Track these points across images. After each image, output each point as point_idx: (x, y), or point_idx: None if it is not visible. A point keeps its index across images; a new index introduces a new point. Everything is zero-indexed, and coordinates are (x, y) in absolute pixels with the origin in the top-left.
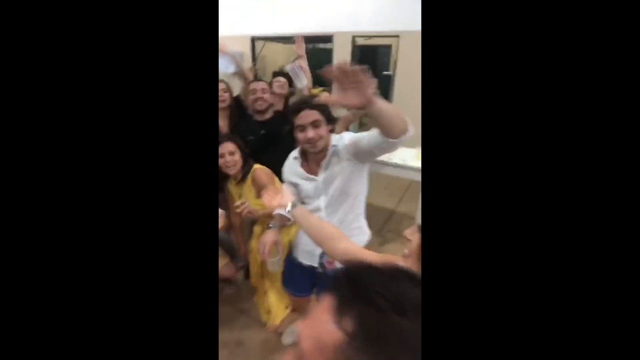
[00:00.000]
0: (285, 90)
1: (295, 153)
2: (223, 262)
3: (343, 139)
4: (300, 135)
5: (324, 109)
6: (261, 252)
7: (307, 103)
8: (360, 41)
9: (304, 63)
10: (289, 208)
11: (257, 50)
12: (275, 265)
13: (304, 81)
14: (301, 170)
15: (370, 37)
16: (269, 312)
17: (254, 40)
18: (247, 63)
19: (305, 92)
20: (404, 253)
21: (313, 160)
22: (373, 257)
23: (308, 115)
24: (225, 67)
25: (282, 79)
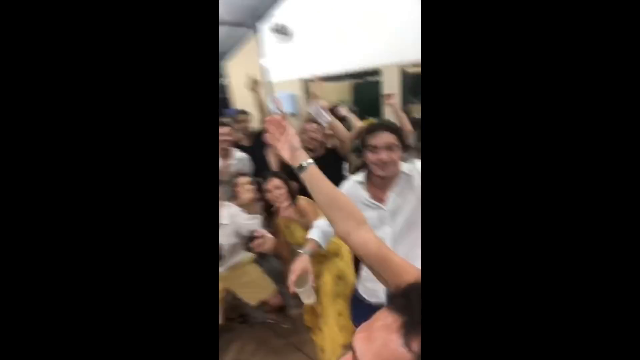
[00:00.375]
0: (320, 134)
1: (358, 177)
2: (272, 290)
3: (415, 165)
4: (371, 157)
5: (400, 134)
6: (289, 281)
7: (385, 125)
8: (410, 70)
9: (323, 102)
10: (303, 163)
11: (310, 90)
12: (308, 295)
13: (327, 119)
14: (365, 195)
15: (418, 65)
16: (323, 350)
17: (306, 82)
18: (302, 105)
19: (328, 128)
20: None
21: (379, 185)
22: (397, 258)
23: (383, 137)
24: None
25: (315, 126)
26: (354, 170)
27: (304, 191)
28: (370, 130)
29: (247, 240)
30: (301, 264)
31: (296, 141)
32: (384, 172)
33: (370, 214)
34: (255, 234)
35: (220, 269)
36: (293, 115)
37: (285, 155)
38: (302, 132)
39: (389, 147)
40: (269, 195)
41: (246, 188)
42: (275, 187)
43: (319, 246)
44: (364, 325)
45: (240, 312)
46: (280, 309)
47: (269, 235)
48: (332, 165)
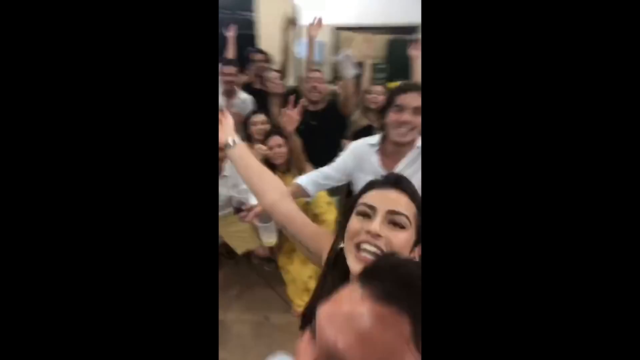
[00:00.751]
0: (323, 85)
1: (373, 139)
2: (259, 242)
3: None
4: (393, 116)
5: None
6: (253, 210)
7: (418, 86)
8: None
9: (352, 52)
10: (230, 141)
11: (341, 40)
12: (269, 235)
13: (352, 72)
14: (375, 159)
15: None
16: (291, 300)
17: (338, 30)
18: (329, 53)
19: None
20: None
21: (391, 154)
22: (316, 227)
23: (413, 99)
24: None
25: (319, 75)
26: (355, 129)
27: (307, 149)
28: (402, 89)
29: (235, 211)
30: None
31: (229, 122)
32: (402, 137)
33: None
34: (243, 207)
35: None
36: (318, 63)
37: (220, 136)
38: (306, 81)
39: (415, 110)
40: (269, 153)
41: (261, 128)
42: (277, 144)
43: (305, 194)
44: (327, 307)
45: (228, 249)
46: (266, 260)
47: (255, 210)
48: (332, 119)
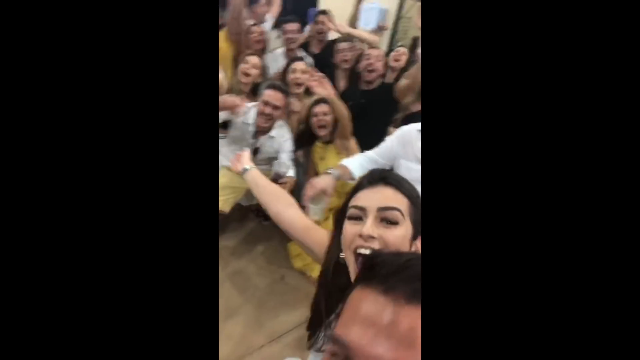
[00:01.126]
0: (402, 62)
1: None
2: None
3: None
4: None
5: None
6: (305, 194)
7: None
8: None
9: None
10: (246, 167)
11: (405, 9)
12: (317, 213)
13: None
14: (419, 147)
15: None
16: (307, 264)
17: None
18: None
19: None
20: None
21: None
22: (321, 230)
23: None
24: (365, 23)
25: (401, 49)
26: (405, 114)
27: (353, 127)
28: None
29: (274, 180)
30: (323, 182)
31: (247, 154)
32: None
33: (415, 167)
34: (281, 180)
35: None
36: (375, 32)
37: (236, 167)
38: (365, 58)
39: None
40: (314, 120)
41: (300, 77)
42: (323, 112)
43: (351, 177)
44: (343, 322)
45: (260, 207)
46: None
47: (309, 193)
48: (383, 100)
